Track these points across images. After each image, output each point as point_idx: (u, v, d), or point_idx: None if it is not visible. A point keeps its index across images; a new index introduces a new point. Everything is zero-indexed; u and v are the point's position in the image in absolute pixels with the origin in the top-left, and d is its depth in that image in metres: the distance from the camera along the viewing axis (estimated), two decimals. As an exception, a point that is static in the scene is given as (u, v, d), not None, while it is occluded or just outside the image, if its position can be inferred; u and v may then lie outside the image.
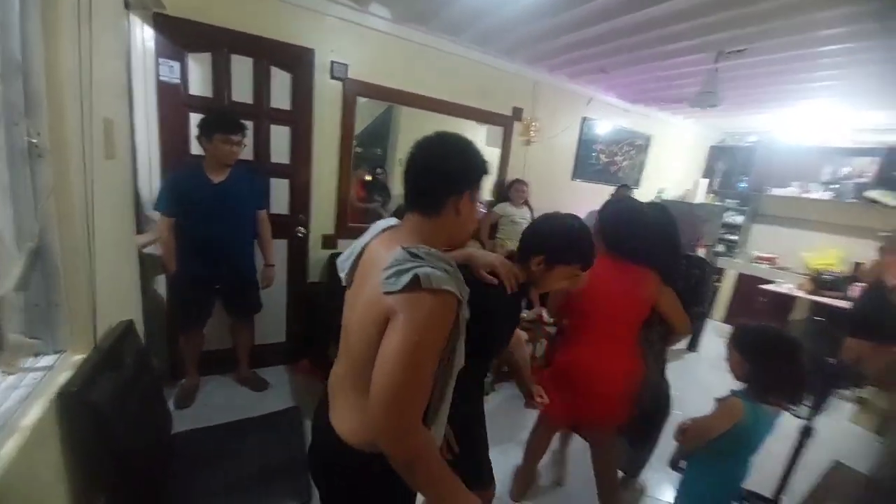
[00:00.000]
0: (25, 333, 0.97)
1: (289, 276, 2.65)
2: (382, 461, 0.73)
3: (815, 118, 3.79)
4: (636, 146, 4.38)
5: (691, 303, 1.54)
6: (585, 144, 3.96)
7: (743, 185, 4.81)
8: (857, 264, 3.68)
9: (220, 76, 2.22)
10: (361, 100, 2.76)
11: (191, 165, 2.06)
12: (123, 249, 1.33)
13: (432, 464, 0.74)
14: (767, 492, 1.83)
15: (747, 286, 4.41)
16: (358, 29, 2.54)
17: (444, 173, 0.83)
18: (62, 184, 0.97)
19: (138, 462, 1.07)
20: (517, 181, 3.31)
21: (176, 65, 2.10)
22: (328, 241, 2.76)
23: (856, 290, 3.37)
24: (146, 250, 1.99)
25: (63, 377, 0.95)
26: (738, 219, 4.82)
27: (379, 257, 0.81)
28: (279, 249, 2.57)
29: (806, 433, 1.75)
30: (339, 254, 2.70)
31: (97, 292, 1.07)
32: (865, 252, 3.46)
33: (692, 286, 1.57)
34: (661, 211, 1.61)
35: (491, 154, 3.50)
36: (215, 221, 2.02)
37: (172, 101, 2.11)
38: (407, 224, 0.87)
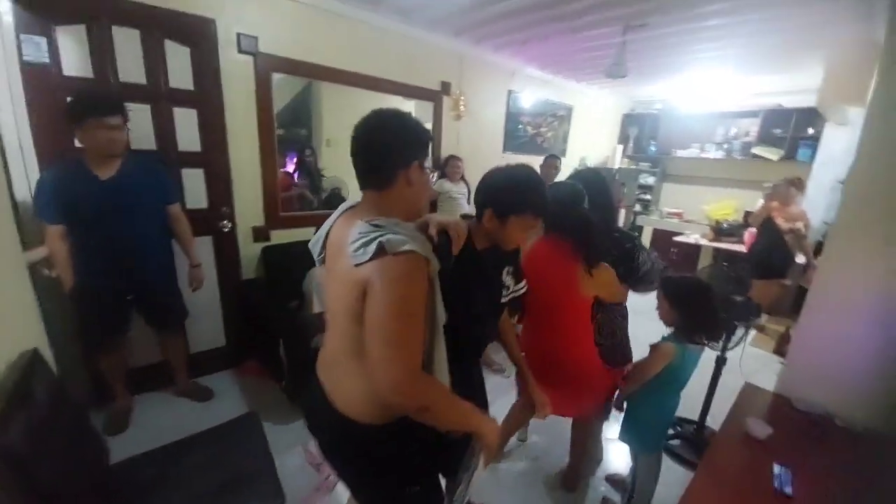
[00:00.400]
0: None
1: (219, 276, 2.43)
2: (391, 430, 0.85)
3: (707, 85, 4.24)
4: (559, 117, 4.57)
5: (626, 277, 1.59)
6: (513, 117, 4.05)
7: (652, 148, 5.27)
8: (747, 213, 4.26)
9: (101, 52, 1.88)
10: (278, 77, 2.53)
11: (70, 161, 1.71)
12: (10, 270, 1.11)
13: (444, 403, 0.80)
14: (694, 416, 2.13)
15: (662, 240, 4.92)
16: (265, -3, 2.29)
17: (388, 147, 0.85)
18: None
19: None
20: (452, 157, 3.30)
21: (42, 41, 1.74)
22: (259, 234, 2.56)
23: (747, 235, 3.91)
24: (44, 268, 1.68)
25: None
26: (651, 180, 5.31)
27: (343, 235, 0.84)
28: (204, 247, 2.34)
29: (720, 362, 2.04)
30: (272, 247, 2.56)
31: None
32: (754, 201, 4.01)
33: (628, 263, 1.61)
34: (598, 182, 1.64)
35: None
36: (111, 225, 1.73)
37: (43, 85, 1.76)
38: (364, 201, 0.91)
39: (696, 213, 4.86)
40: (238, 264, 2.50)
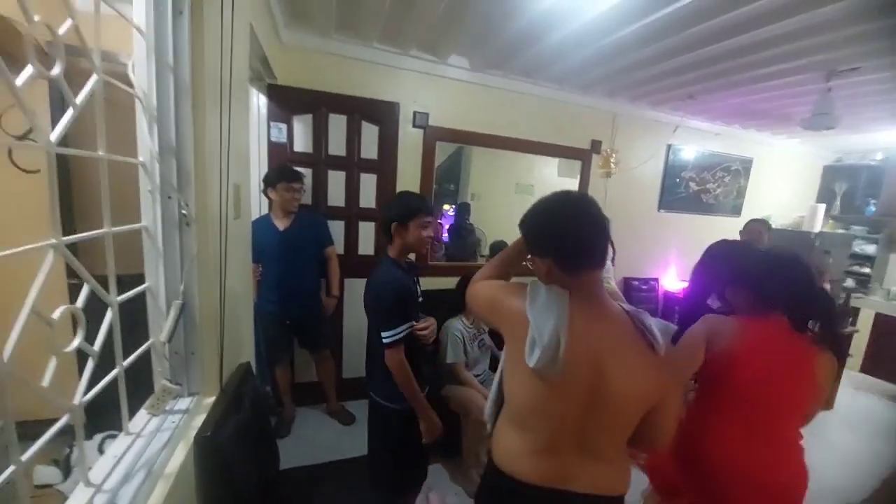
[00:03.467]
0: (169, 380, 1.11)
1: (373, 314, 2.77)
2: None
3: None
4: (732, 171, 4.00)
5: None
6: (672, 172, 3.71)
7: (871, 208, 4.13)
8: None
9: (319, 134, 2.47)
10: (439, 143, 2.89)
11: (262, 217, 2.28)
12: (243, 298, 1.49)
13: None
14: None
15: (889, 328, 3.68)
16: (438, 80, 2.69)
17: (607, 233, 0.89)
18: (203, 247, 1.12)
19: (253, 500, 1.15)
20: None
21: (283, 126, 2.38)
22: (409, 280, 2.85)
23: None
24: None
25: (197, 420, 1.06)
26: (870, 248, 4.12)
27: (613, 325, 0.85)
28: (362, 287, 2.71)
29: None
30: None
31: (224, 340, 1.20)
32: None
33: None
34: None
35: (565, 184, 3.43)
36: (282, 265, 2.21)
37: (280, 158, 2.39)
38: (593, 284, 0.87)
39: (953, 298, 3.53)
40: (389, 305, 2.81)
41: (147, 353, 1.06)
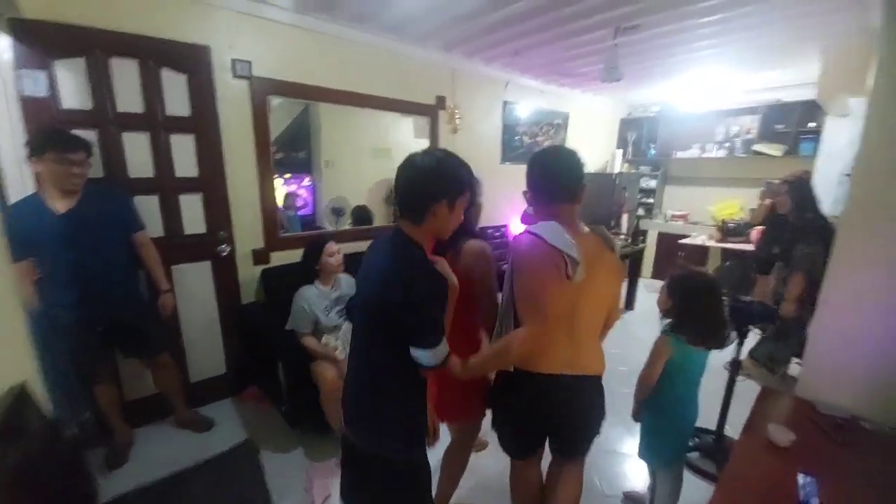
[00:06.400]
0: None
1: (219, 301, 2.41)
2: None
3: (704, 84, 4.22)
4: (555, 125, 4.58)
5: None
6: (509, 128, 4.06)
7: (652, 151, 5.25)
8: (751, 211, 4.19)
9: (99, 84, 1.91)
10: (276, 100, 2.56)
11: (28, 197, 1.71)
12: (1, 302, 1.10)
13: None
14: (712, 425, 2.04)
15: (667, 243, 4.84)
16: (257, 21, 2.33)
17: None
18: None
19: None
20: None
21: (41, 75, 1.77)
22: (260, 257, 2.55)
23: (754, 233, 3.83)
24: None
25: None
26: (652, 183, 5.27)
27: (590, 241, 1.21)
28: (203, 272, 2.33)
29: (734, 366, 1.96)
30: (271, 269, 2.53)
31: (-33, 359, 0.87)
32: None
33: None
34: None
35: (421, 145, 3.45)
36: (71, 258, 1.70)
37: (42, 118, 1.78)
38: (571, 212, 1.21)
39: (702, 214, 4.80)
40: (237, 288, 2.48)
41: None
